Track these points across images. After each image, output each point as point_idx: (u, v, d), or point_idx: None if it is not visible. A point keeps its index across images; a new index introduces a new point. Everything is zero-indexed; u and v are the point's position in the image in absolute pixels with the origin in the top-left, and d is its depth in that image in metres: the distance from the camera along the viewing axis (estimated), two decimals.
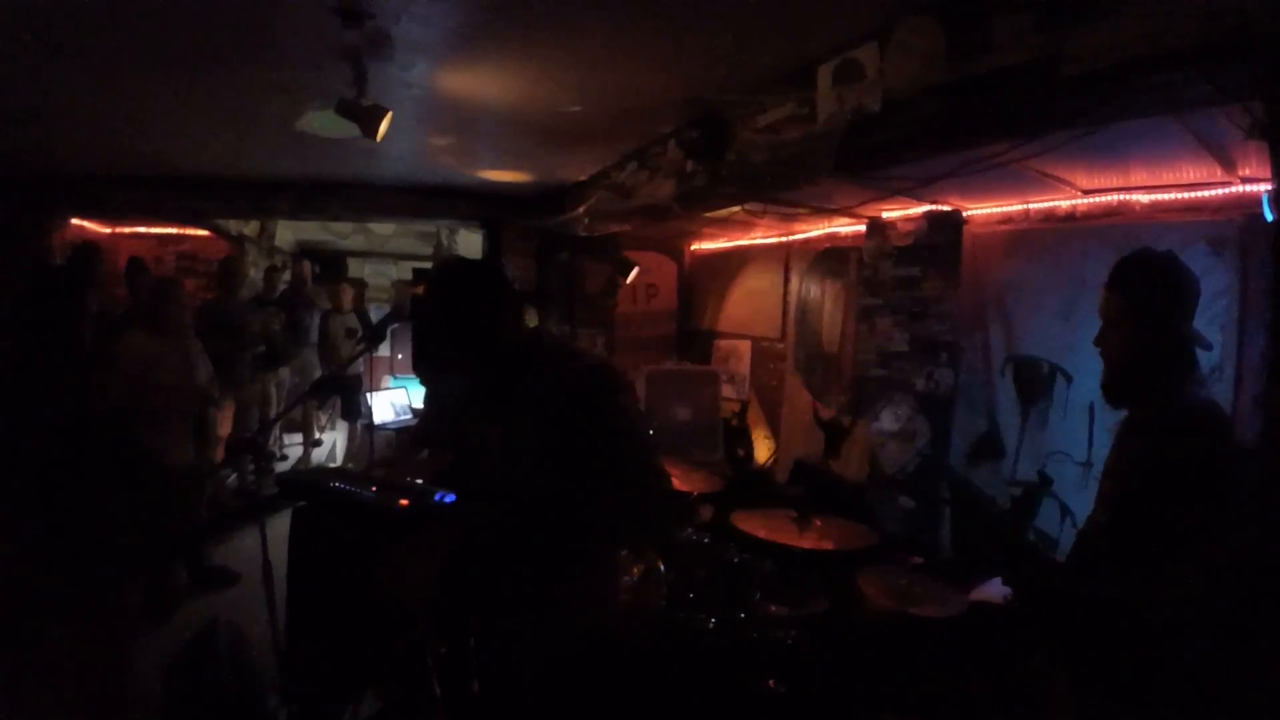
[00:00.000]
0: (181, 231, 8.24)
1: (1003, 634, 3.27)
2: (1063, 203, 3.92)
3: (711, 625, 3.46)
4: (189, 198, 6.49)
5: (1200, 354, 2.13)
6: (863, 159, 2.99)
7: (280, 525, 3.70)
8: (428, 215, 6.92)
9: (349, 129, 3.52)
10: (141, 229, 8.18)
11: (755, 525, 3.61)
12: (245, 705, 3.41)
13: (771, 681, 3.37)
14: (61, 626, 4.20)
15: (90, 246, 6.25)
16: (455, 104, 4.03)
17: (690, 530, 4.00)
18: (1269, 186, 2.13)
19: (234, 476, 6.72)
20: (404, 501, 3.37)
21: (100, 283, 6.02)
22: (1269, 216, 2.32)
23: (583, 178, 5.70)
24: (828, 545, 3.50)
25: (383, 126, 3.48)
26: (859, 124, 2.83)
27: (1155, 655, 1.97)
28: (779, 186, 3.81)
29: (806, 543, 3.48)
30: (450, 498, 3.08)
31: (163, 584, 4.81)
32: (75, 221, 7.15)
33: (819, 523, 3.64)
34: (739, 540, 3.67)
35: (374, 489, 3.51)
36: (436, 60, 3.48)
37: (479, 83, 3.71)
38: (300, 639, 3.56)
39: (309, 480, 4.10)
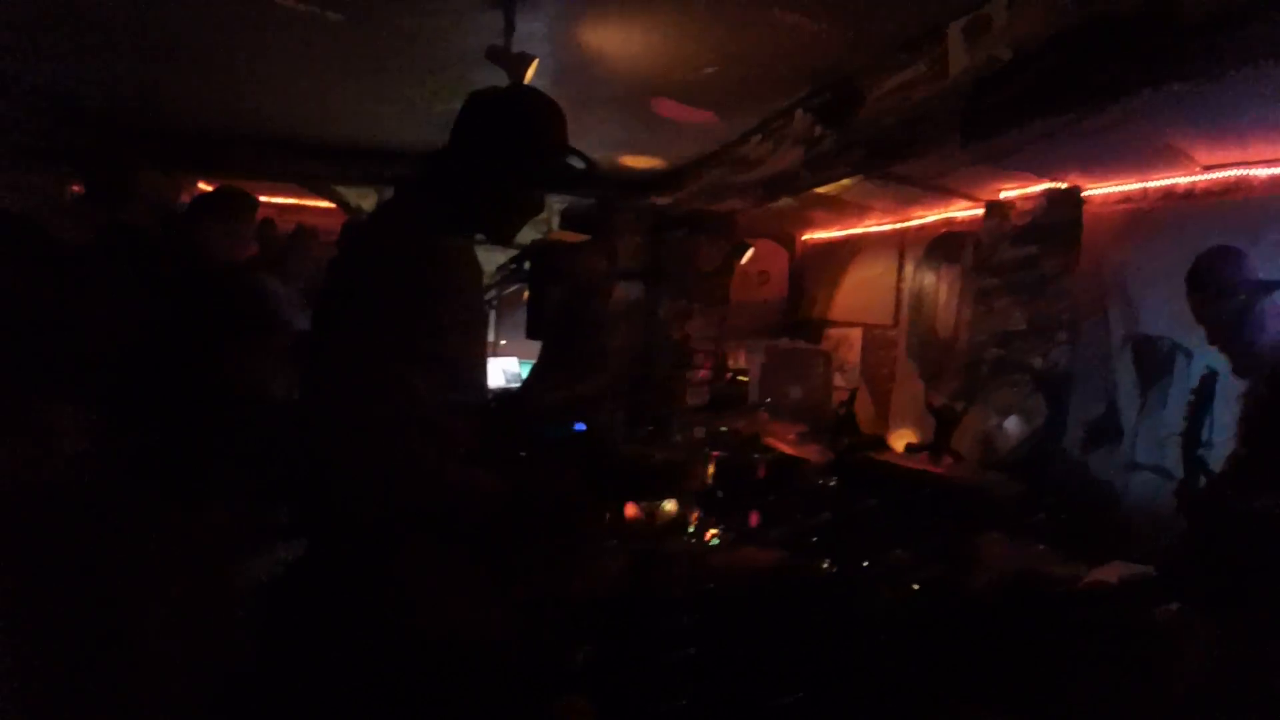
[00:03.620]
0: (301, 202, 8.79)
1: (1118, 611, 3.43)
2: (1181, 180, 4.14)
3: (833, 571, 3.68)
4: (311, 163, 7.01)
5: None
6: (991, 117, 3.28)
7: None
8: (547, 190, 7.31)
9: None
10: (262, 197, 8.72)
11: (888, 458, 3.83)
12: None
13: (884, 635, 3.56)
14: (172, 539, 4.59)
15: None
16: (589, 64, 4.39)
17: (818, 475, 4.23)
18: None
19: None
20: None
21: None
22: None
23: (703, 153, 6.05)
24: (962, 475, 3.72)
25: (530, 72, 3.86)
26: (988, 80, 3.13)
27: None
28: (907, 150, 4.07)
29: (941, 469, 3.70)
30: (581, 427, 3.42)
31: (262, 517, 5.19)
32: (202, 186, 7.72)
33: (950, 459, 3.86)
34: (867, 482, 3.87)
35: None
36: (582, 11, 3.87)
37: (618, 36, 4.08)
38: None
39: None
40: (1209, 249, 3.07)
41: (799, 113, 4.61)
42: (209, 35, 4.39)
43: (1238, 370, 2.98)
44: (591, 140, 5.97)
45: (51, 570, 2.90)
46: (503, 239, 2.24)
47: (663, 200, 6.74)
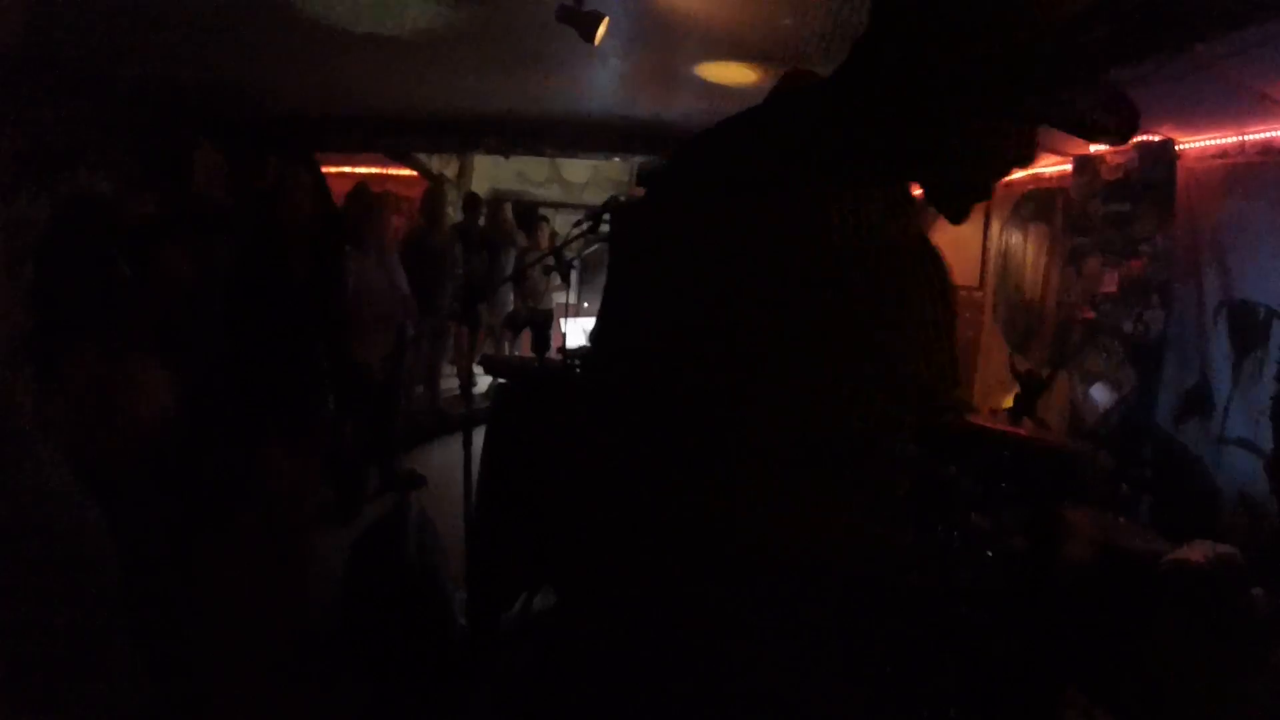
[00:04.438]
0: (384, 171, 8.98)
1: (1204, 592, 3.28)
2: None
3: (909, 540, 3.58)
4: (397, 134, 7.12)
5: None
6: (1074, 64, 3.14)
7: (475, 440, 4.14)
8: (628, 150, 7.40)
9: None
10: (346, 169, 8.93)
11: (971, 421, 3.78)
12: (425, 581, 3.80)
13: (963, 609, 3.47)
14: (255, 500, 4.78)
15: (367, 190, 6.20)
16: (662, 22, 4.36)
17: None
18: None
19: (423, 390, 7.39)
20: None
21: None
22: None
23: None
24: (1046, 442, 3.62)
25: (600, 31, 3.86)
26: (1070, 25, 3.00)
27: None
28: None
29: (1023, 431, 3.61)
30: None
31: (354, 482, 5.40)
32: None
33: (1029, 422, 3.77)
34: (947, 445, 3.77)
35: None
36: None
37: None
38: (488, 527, 3.96)
39: (511, 359, 4.56)
40: None
41: None
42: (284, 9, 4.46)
43: None
44: (667, 102, 6.05)
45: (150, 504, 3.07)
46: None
47: None
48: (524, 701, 3.27)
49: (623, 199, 4.20)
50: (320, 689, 3.30)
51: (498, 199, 10.15)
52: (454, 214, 8.49)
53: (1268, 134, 3.95)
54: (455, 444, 6.76)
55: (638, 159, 8.07)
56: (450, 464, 6.07)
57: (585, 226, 4.49)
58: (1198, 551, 3.35)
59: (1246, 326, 4.14)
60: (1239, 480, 3.93)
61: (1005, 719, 3.25)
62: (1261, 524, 3.63)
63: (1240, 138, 4.11)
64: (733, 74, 5.62)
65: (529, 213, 9.50)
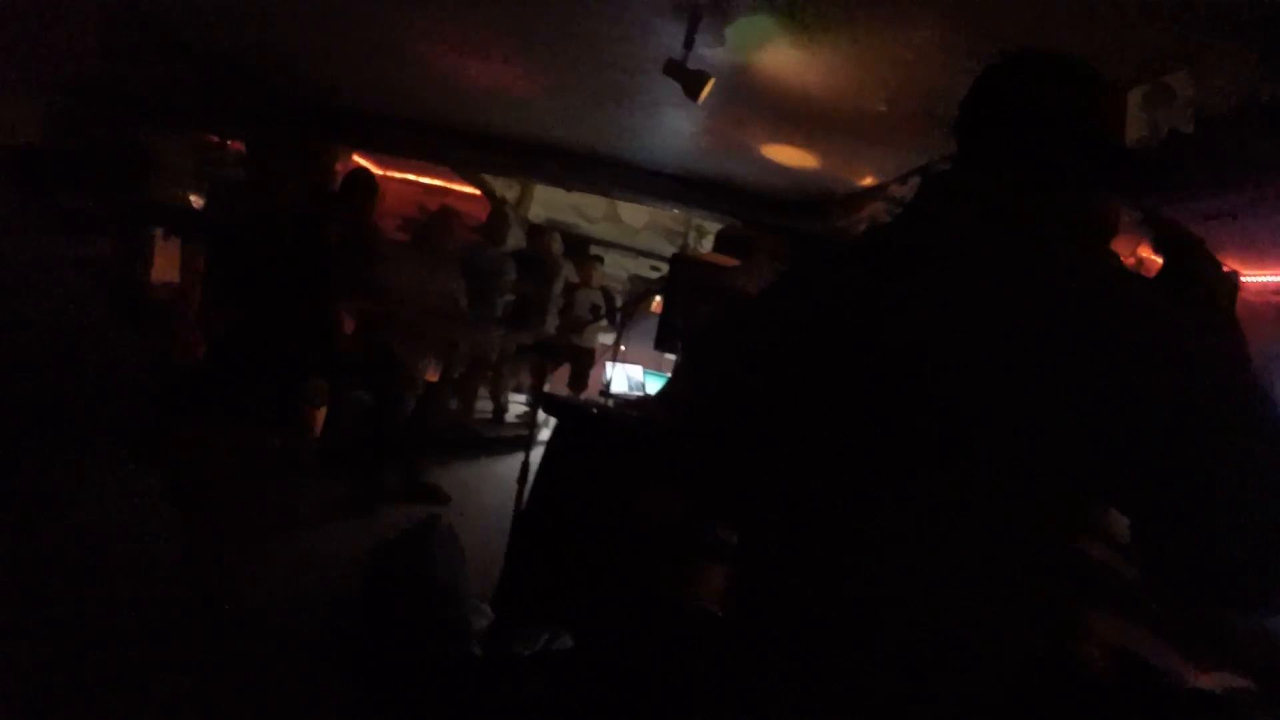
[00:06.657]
0: (447, 185, 9.12)
1: None
2: None
3: None
4: (460, 147, 7.28)
5: None
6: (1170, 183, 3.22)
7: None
8: (690, 204, 7.55)
9: None
10: (410, 176, 9.06)
11: None
12: (447, 604, 3.68)
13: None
14: None
15: (365, 174, 6.26)
16: (761, 88, 4.47)
17: None
18: None
19: (456, 402, 7.47)
20: None
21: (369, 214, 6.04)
22: None
23: (859, 186, 6.12)
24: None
25: (705, 90, 3.98)
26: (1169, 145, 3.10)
27: None
28: None
29: None
30: None
31: (373, 480, 5.38)
32: (355, 158, 8.01)
33: None
34: None
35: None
36: (764, 35, 3.86)
37: (789, 64, 4.11)
38: (526, 558, 3.94)
39: (573, 402, 4.61)
40: None
41: None
42: (379, 13, 4.60)
43: None
44: (751, 162, 6.17)
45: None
46: None
47: (807, 227, 6.83)
48: None
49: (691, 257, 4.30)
50: (316, 695, 3.25)
51: (551, 228, 10.28)
52: (512, 239, 8.59)
53: None
54: (479, 465, 6.87)
55: (698, 213, 8.24)
56: (472, 484, 6.22)
57: (658, 288, 4.56)
58: (1214, 680, 3.35)
59: None
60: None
61: None
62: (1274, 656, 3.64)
63: None
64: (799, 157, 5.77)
65: (581, 248, 9.61)
